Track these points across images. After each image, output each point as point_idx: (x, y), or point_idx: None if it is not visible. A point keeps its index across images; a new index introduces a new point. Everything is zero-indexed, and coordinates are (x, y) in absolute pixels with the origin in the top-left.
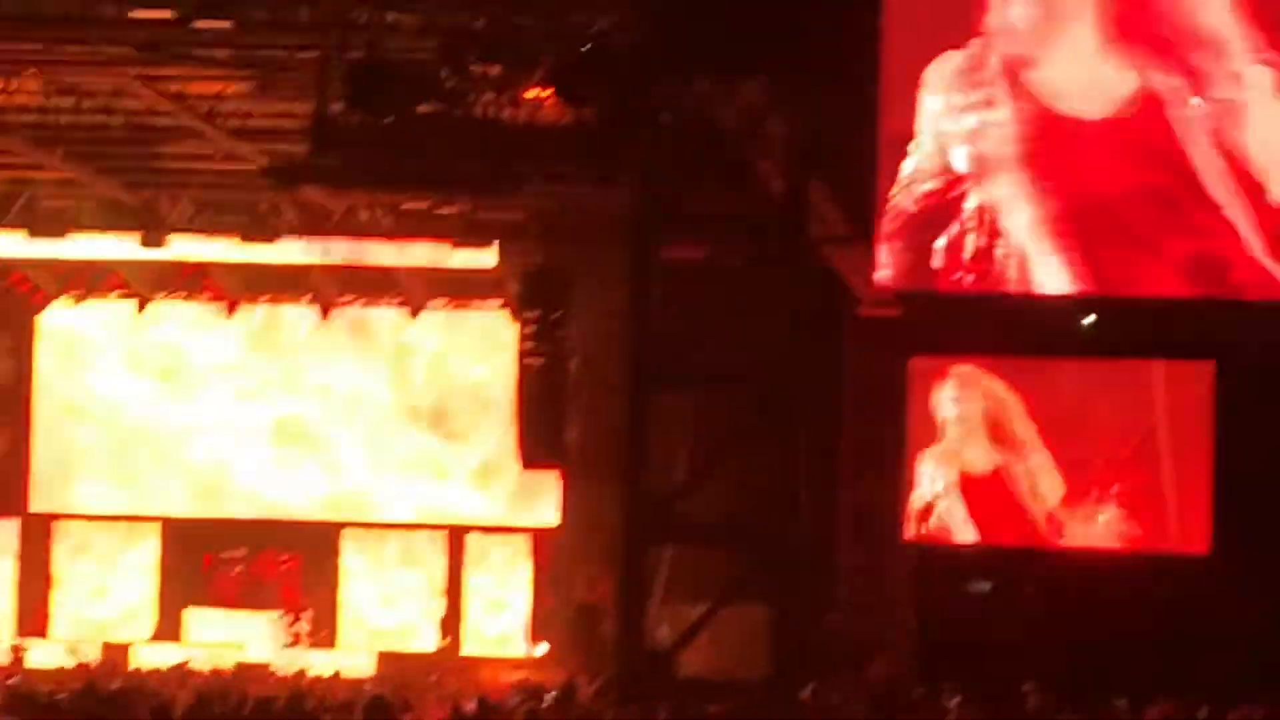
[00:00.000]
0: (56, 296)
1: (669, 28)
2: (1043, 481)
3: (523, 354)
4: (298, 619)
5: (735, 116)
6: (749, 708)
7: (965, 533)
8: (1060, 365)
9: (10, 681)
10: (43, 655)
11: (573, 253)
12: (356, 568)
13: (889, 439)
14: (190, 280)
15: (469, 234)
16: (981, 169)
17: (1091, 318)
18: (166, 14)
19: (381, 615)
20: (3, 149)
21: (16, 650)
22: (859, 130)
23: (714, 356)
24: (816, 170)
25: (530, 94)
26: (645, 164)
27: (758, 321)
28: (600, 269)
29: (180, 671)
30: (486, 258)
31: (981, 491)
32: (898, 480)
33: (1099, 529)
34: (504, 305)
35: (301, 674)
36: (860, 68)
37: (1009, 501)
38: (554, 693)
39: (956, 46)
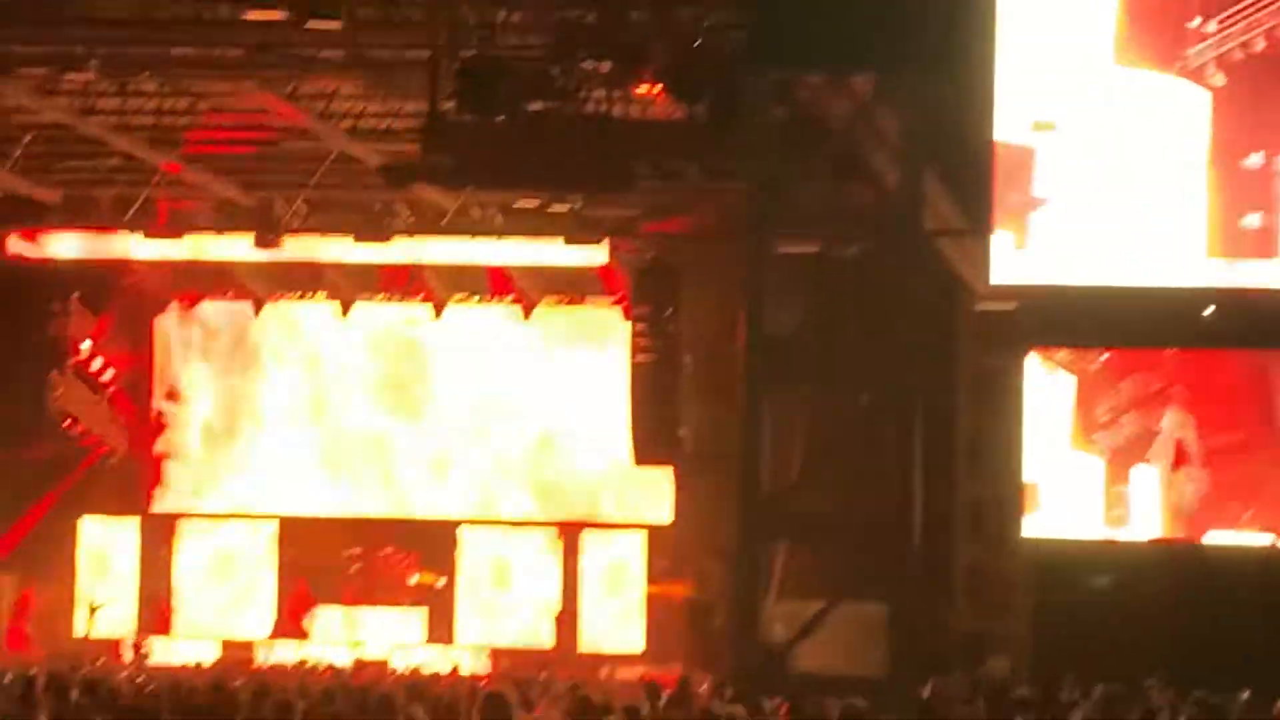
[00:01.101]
0: (174, 298)
1: (779, 22)
2: (1175, 476)
3: (635, 351)
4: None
5: (847, 110)
6: (867, 705)
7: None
8: (1181, 357)
9: (137, 680)
10: (166, 653)
11: (685, 248)
12: (473, 565)
13: (1004, 432)
14: (305, 280)
15: (580, 231)
16: None
17: (1211, 308)
18: (279, 15)
19: (498, 612)
20: (121, 151)
21: (139, 648)
22: (974, 121)
23: (828, 351)
24: (930, 162)
25: (641, 90)
26: (757, 159)
27: (872, 315)
28: (713, 264)
29: (301, 669)
30: (598, 255)
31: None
32: (1013, 474)
33: (1223, 523)
34: (615, 302)
35: (419, 671)
36: (975, 58)
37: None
38: (670, 689)
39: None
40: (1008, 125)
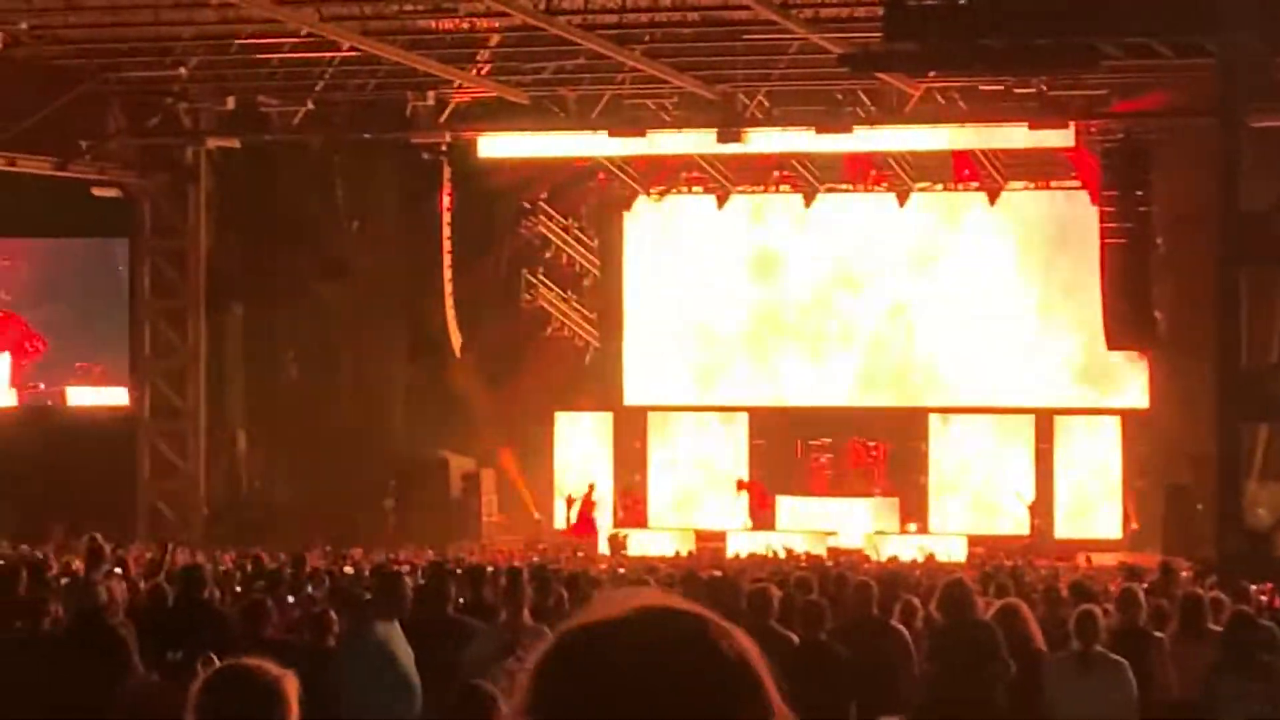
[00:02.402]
0: (640, 194)
1: None
2: None
3: (1105, 234)
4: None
5: None
6: None
7: None
8: None
9: (617, 571)
10: (642, 545)
11: (1154, 127)
12: (945, 453)
13: None
14: (767, 172)
15: (1046, 113)
16: None
17: None
18: None
19: (972, 499)
20: (586, 50)
21: (616, 540)
22: None
23: None
24: None
25: None
26: (1229, 31)
27: None
28: (1184, 143)
29: (775, 559)
30: (1064, 137)
31: None
32: None
33: None
34: (1084, 185)
35: (893, 559)
36: None
37: None
38: (1151, 575)
39: None
40: None
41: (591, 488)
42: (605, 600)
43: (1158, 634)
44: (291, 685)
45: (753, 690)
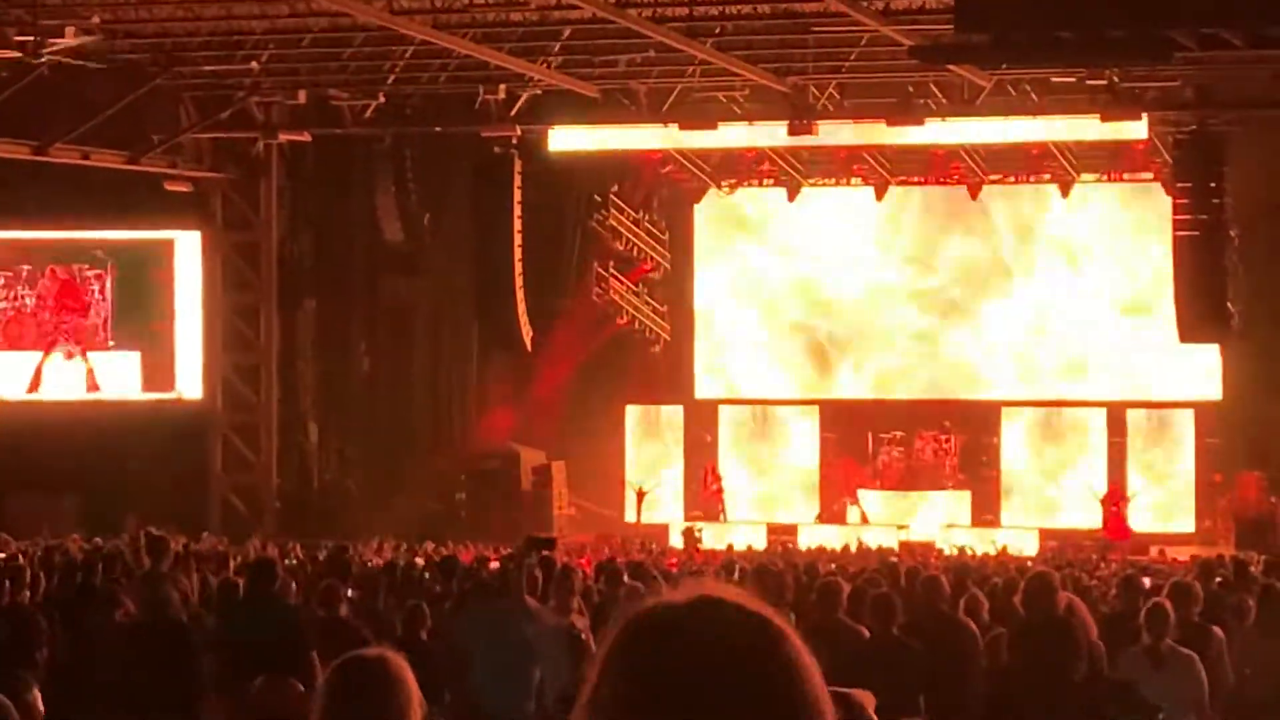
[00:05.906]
0: (710, 186)
1: None
2: None
3: (1178, 226)
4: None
5: None
6: None
7: None
8: None
9: (686, 566)
10: (715, 538)
11: (1229, 118)
12: (1017, 447)
13: None
14: (839, 165)
15: (1119, 105)
16: None
17: None
18: None
19: (1043, 493)
20: (656, 43)
21: (690, 534)
22: None
23: None
24: None
25: None
26: None
27: None
28: (1260, 134)
29: (846, 552)
30: (1137, 129)
31: None
32: None
33: None
34: (1156, 177)
35: (963, 551)
36: None
37: None
38: (1225, 570)
39: None
40: None
41: (709, 471)
42: (672, 588)
43: (1215, 628)
44: (407, 669)
45: (803, 694)
